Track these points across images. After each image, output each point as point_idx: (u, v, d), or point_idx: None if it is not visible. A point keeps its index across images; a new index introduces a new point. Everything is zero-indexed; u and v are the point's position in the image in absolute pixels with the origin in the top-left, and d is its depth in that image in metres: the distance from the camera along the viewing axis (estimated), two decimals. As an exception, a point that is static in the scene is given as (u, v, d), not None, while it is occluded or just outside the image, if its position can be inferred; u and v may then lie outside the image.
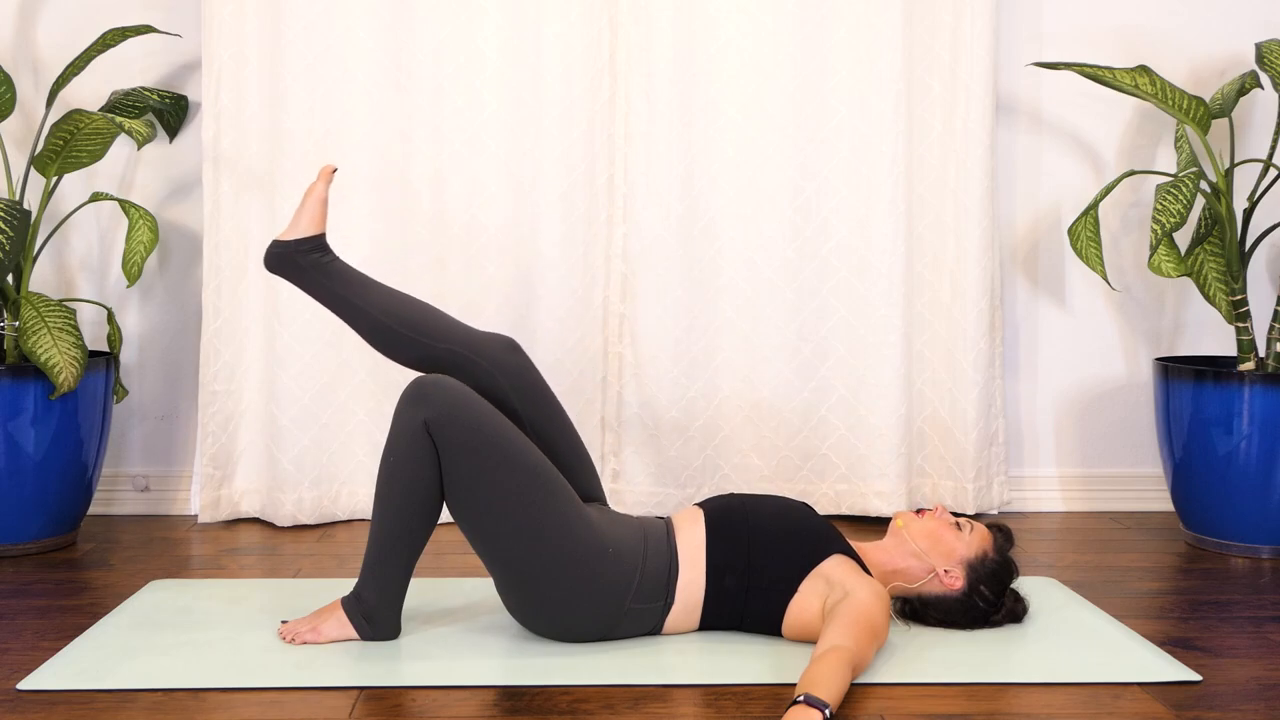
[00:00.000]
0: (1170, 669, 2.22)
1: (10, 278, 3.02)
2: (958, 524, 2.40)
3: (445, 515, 2.83)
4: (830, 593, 2.25)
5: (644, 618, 2.31)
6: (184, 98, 3.35)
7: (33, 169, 3.12)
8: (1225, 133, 3.35)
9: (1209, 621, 2.54)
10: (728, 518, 2.35)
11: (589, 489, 2.47)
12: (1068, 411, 3.56)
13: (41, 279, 3.36)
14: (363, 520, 3.32)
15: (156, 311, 3.43)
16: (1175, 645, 2.38)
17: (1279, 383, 2.99)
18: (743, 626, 2.35)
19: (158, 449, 3.45)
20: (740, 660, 2.23)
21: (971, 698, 2.10)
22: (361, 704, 2.06)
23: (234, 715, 2.01)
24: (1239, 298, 3.12)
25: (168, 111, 3.32)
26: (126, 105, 3.19)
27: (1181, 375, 3.10)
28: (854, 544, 2.40)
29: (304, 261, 2.43)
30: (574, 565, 2.23)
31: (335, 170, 2.49)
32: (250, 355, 3.30)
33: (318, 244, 2.44)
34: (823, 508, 3.35)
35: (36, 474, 2.96)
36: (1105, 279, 3.22)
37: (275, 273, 2.45)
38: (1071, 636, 2.38)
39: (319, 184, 2.45)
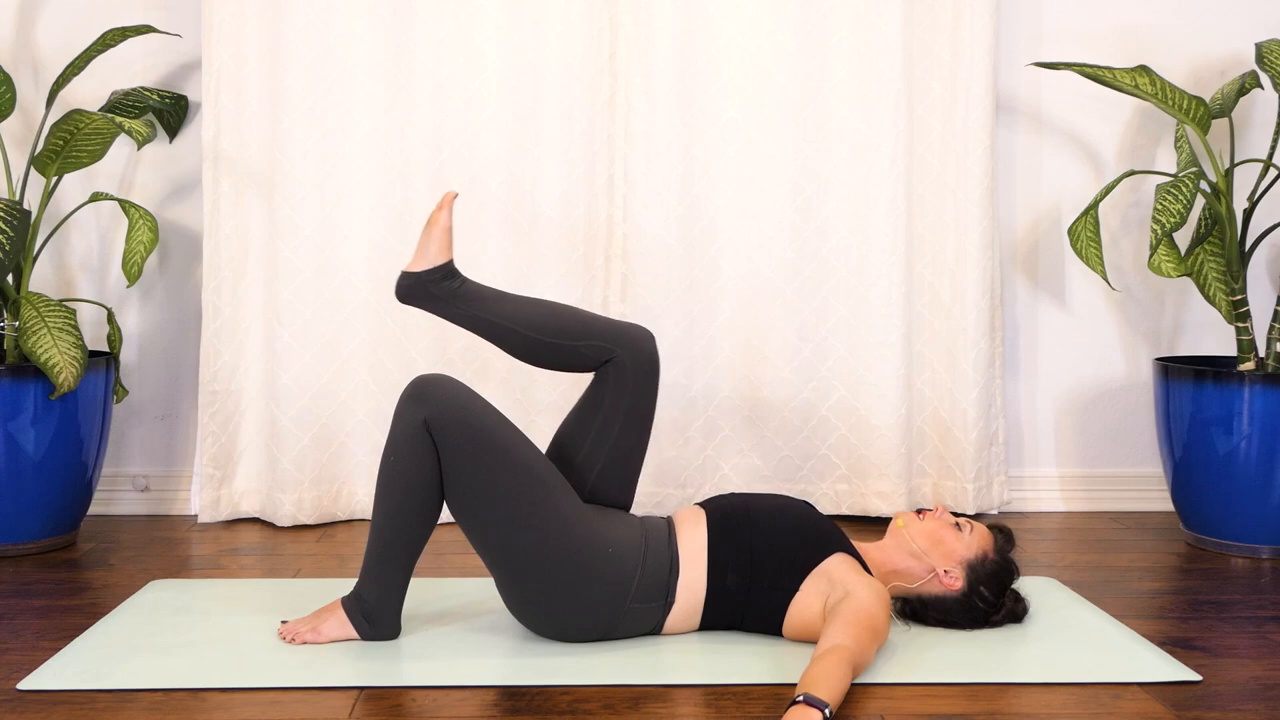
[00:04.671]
0: (1170, 669, 2.22)
1: (10, 278, 3.02)
2: (958, 524, 2.40)
3: (445, 515, 2.83)
4: (831, 592, 2.24)
5: (644, 617, 2.31)
6: (184, 98, 3.35)
7: (33, 169, 3.12)
8: (1225, 133, 3.35)
9: (1209, 621, 2.54)
10: (730, 517, 2.35)
11: (627, 496, 2.47)
12: (1068, 411, 3.56)
13: (41, 279, 3.36)
14: (363, 520, 3.32)
15: (156, 311, 3.43)
16: (1175, 645, 2.38)
17: (1279, 383, 2.99)
18: (743, 626, 2.35)
19: (158, 449, 3.45)
20: (740, 660, 2.23)
21: (971, 698, 2.10)
22: (361, 704, 2.06)
23: (234, 715, 2.01)
24: (1239, 298, 3.12)
25: (168, 111, 3.32)
26: (126, 105, 3.19)
27: (1181, 375, 3.10)
28: (854, 544, 2.40)
29: (436, 290, 2.43)
30: (574, 564, 2.23)
31: (456, 196, 2.47)
32: (250, 355, 3.30)
33: (447, 271, 2.43)
34: (823, 508, 3.35)
35: (36, 474, 2.96)
36: (1105, 279, 3.22)
37: (408, 303, 2.45)
38: (1071, 636, 2.38)
39: (442, 212, 2.43)
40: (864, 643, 2.11)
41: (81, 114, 2.94)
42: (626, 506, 2.48)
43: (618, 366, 2.41)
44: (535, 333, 2.41)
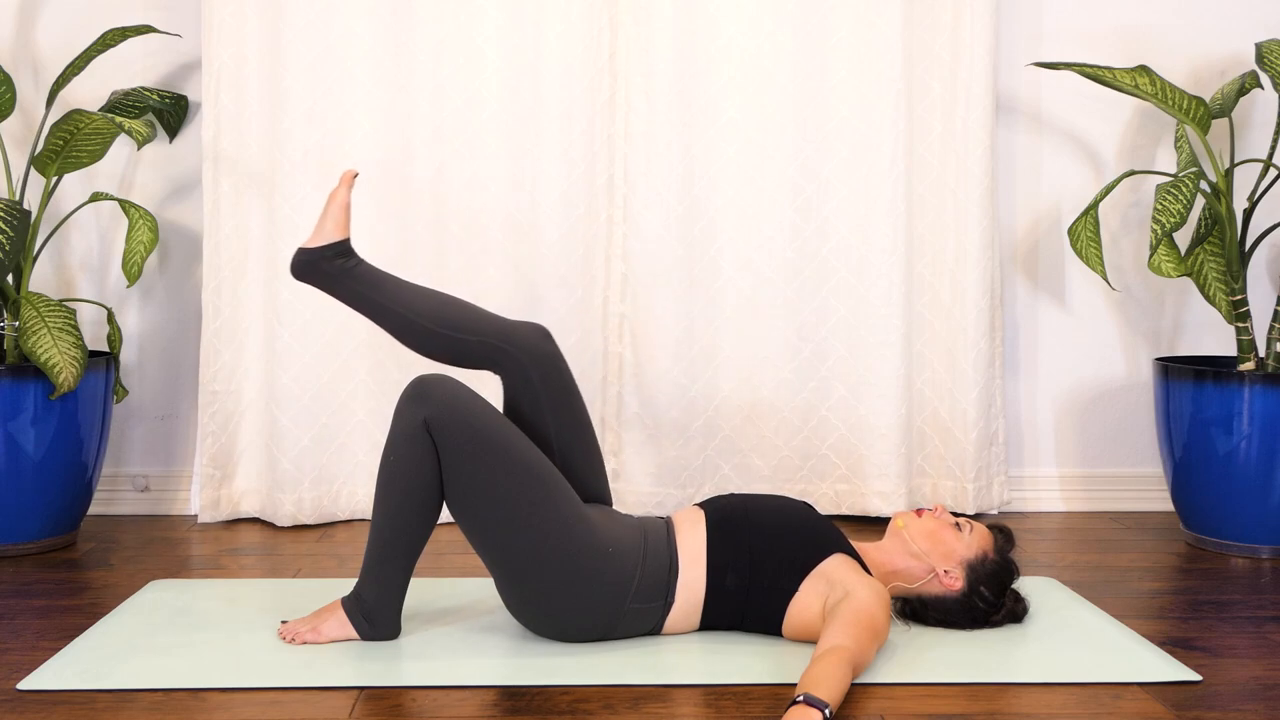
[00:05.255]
0: (1170, 669, 2.22)
1: (10, 278, 3.02)
2: (957, 524, 2.40)
3: (445, 515, 2.83)
4: (831, 592, 2.24)
5: (644, 617, 2.31)
6: (184, 98, 3.35)
7: (33, 169, 3.12)
8: (1225, 133, 3.35)
9: (1209, 621, 2.54)
10: (729, 517, 2.35)
11: (597, 489, 2.47)
12: (1068, 411, 3.56)
13: (41, 279, 3.36)
14: (363, 520, 3.32)
15: (156, 311, 3.43)
16: (1175, 645, 2.38)
17: (1279, 383, 2.99)
18: (743, 626, 2.35)
19: (158, 449, 3.45)
20: (740, 660, 2.23)
21: (971, 698, 2.10)
22: (361, 704, 2.06)
23: (234, 715, 2.01)
24: (1239, 298, 3.12)
25: (168, 111, 3.32)
26: (126, 105, 3.19)
27: (1181, 375, 3.10)
28: (854, 544, 2.39)
29: (330, 268, 2.42)
30: (573, 564, 2.23)
31: (356, 175, 2.48)
32: (250, 355, 3.30)
33: (342, 249, 2.43)
34: (823, 508, 3.35)
35: (36, 474, 2.96)
36: (1105, 279, 3.22)
37: (302, 280, 2.44)
38: (1071, 636, 2.38)
39: (341, 189, 2.44)
40: (864, 643, 2.11)
41: (81, 114, 2.94)
42: (605, 502, 2.48)
43: (517, 368, 2.39)
44: (424, 320, 2.39)
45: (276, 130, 3.24)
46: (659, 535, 2.34)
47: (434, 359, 2.44)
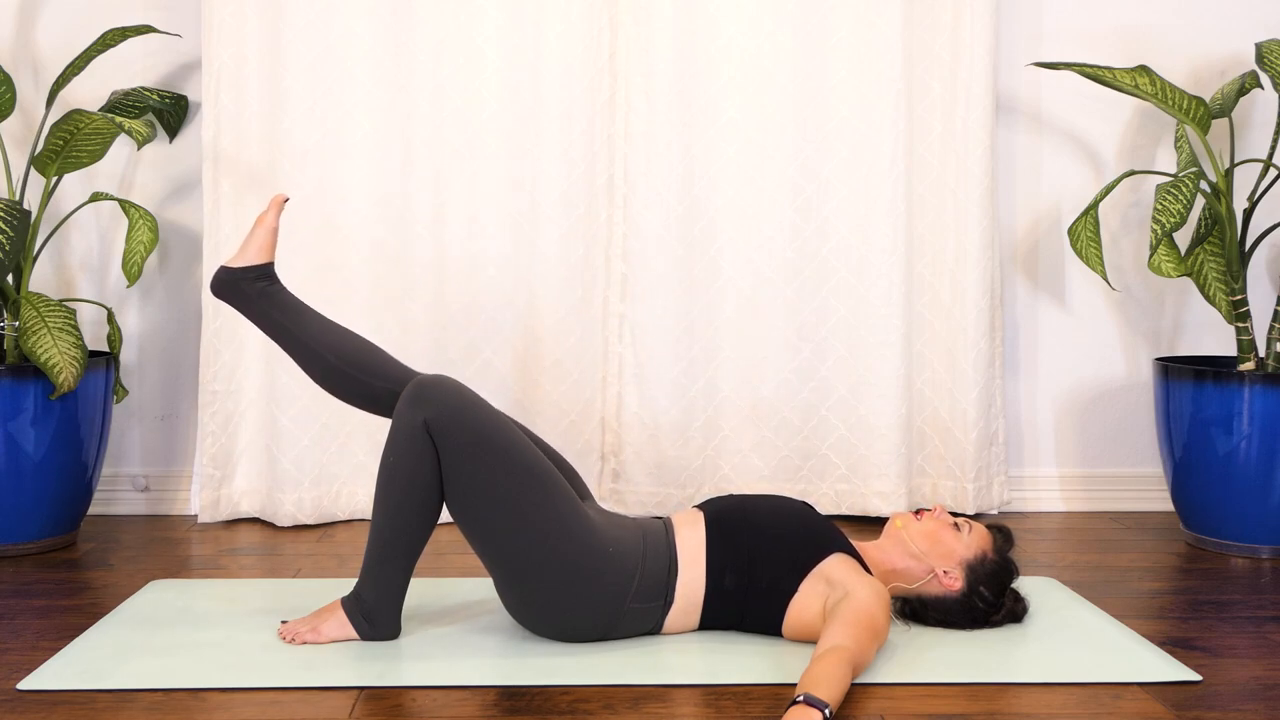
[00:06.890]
0: (1170, 669, 2.22)
1: (10, 278, 3.02)
2: (956, 524, 2.40)
3: (445, 515, 2.83)
4: (831, 592, 2.24)
5: (643, 617, 2.31)
6: (184, 98, 3.35)
7: (33, 169, 3.12)
8: (1225, 133, 3.35)
9: (1209, 621, 2.54)
10: (728, 518, 2.35)
11: (575, 486, 2.48)
12: (1068, 411, 3.56)
13: (41, 279, 3.36)
14: (363, 520, 3.32)
15: (156, 311, 3.43)
16: (1175, 645, 2.38)
17: (1279, 383, 2.99)
18: (742, 626, 2.35)
19: (158, 449, 3.45)
20: (740, 660, 2.23)
21: (971, 698, 2.10)
22: (361, 704, 2.06)
23: (234, 715, 2.01)
24: (1239, 298, 3.12)
25: (168, 111, 3.32)
26: (126, 105, 3.19)
27: (1181, 375, 3.10)
28: (854, 544, 2.39)
29: (250, 289, 2.42)
30: (573, 565, 2.23)
31: (287, 200, 2.48)
32: (250, 355, 3.30)
33: (264, 272, 2.42)
34: (823, 508, 3.35)
35: (36, 474, 2.96)
36: (1105, 279, 3.22)
37: (220, 298, 2.44)
38: (1071, 636, 2.38)
39: (270, 213, 2.43)
40: (864, 643, 2.11)
41: (81, 114, 2.94)
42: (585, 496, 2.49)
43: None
44: (333, 356, 2.38)
45: (276, 130, 3.24)
46: (658, 536, 2.34)
47: (336, 396, 2.43)
